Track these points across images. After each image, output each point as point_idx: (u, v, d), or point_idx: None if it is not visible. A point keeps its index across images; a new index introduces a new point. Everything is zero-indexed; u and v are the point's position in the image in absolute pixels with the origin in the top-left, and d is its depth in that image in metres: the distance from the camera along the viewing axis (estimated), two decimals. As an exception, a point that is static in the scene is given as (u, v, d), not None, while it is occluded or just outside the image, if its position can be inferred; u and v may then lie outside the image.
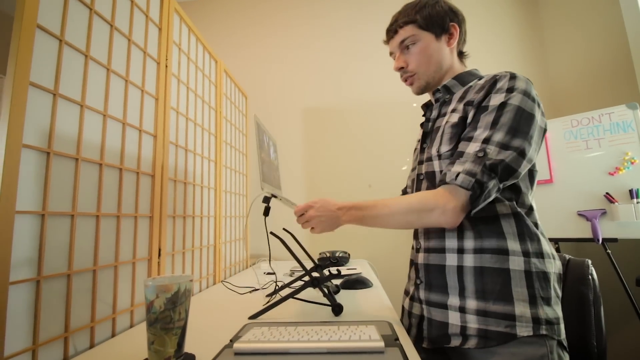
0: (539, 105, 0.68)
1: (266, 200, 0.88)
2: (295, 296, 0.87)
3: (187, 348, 0.60)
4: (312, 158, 2.09)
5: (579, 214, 1.36)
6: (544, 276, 0.65)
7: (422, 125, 0.88)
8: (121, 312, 0.79)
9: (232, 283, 1.27)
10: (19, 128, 0.56)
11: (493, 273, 0.65)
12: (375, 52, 2.07)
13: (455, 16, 0.80)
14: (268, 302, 0.90)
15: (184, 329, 0.59)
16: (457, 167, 0.65)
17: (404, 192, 1.05)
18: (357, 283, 1.12)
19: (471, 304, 0.65)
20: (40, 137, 0.61)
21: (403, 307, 0.83)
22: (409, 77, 0.83)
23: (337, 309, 0.85)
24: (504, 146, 0.63)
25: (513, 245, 0.65)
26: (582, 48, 1.78)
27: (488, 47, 2.08)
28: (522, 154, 0.64)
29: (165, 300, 0.57)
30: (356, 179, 2.04)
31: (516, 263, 0.64)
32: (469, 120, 0.70)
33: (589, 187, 1.35)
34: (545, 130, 0.71)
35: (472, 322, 0.65)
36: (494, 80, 0.69)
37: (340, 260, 1.62)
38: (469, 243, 0.68)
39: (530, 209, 0.70)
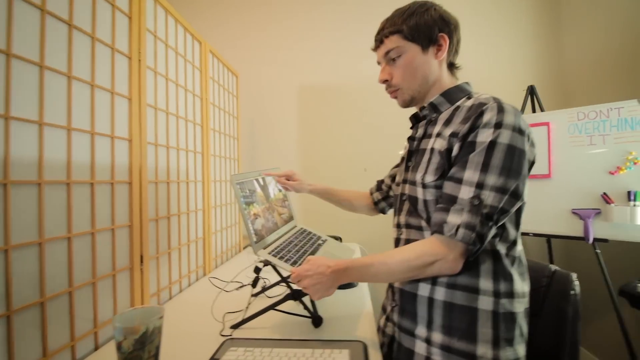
0: (528, 138, 0.64)
1: (257, 270, 0.85)
2: (277, 308, 0.88)
3: (160, 380, 0.61)
4: (307, 139, 2.03)
5: (573, 212, 1.33)
6: (511, 317, 0.64)
7: (408, 139, 0.83)
8: (103, 325, 0.80)
9: (222, 274, 1.29)
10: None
11: (461, 310, 0.65)
12: (374, 30, 1.91)
13: (445, 26, 0.73)
14: (249, 303, 0.93)
15: (155, 363, 0.59)
16: (454, 218, 0.62)
17: (379, 183, 1.06)
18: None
19: (437, 337, 0.66)
20: (-6, 168, 0.57)
21: (379, 325, 0.84)
22: (393, 91, 0.78)
23: (317, 321, 0.86)
24: (498, 190, 0.60)
25: (485, 284, 0.64)
26: (601, 31, 1.63)
27: (500, 23, 1.92)
28: (515, 195, 0.62)
29: (134, 341, 0.56)
30: (352, 162, 2.00)
31: (485, 303, 0.64)
32: (454, 153, 0.66)
33: (586, 185, 1.31)
34: (533, 163, 0.67)
35: (437, 355, 0.66)
36: (481, 112, 0.64)
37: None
38: (443, 276, 0.67)
39: (513, 243, 0.68)
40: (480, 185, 0.61)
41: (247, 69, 2.00)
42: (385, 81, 0.78)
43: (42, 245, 0.65)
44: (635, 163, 1.21)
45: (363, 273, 0.69)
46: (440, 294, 0.67)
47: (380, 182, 1.06)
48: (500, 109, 0.63)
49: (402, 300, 0.74)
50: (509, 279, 0.65)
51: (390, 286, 0.80)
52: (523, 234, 1.44)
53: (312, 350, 0.71)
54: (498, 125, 0.62)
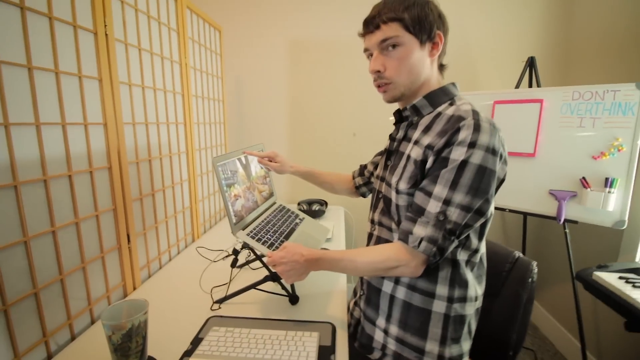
0: (501, 157, 0.65)
1: (235, 252, 0.88)
2: (258, 287, 0.96)
3: (151, 347, 0.70)
4: (297, 99, 1.96)
5: (550, 193, 1.37)
6: (460, 319, 0.72)
7: (390, 137, 0.82)
8: (97, 302, 0.88)
9: (210, 240, 1.37)
10: None
11: (417, 310, 0.72)
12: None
13: (442, 24, 0.70)
14: (231, 279, 1.02)
15: (142, 351, 0.67)
16: (419, 230, 0.66)
17: (362, 168, 1.07)
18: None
19: (393, 329, 0.75)
20: (-36, 179, 0.58)
21: (349, 305, 0.92)
22: (385, 84, 0.74)
23: (294, 300, 0.95)
24: (463, 208, 0.63)
25: (441, 290, 0.71)
26: (613, 8, 1.49)
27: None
28: (479, 212, 0.65)
29: (121, 335, 0.63)
30: (341, 125, 1.96)
31: (439, 306, 0.71)
32: (428, 165, 0.67)
33: (568, 168, 1.32)
34: (503, 180, 0.69)
35: (391, 344, 0.75)
36: (457, 128, 0.63)
37: (315, 214, 1.69)
38: (405, 277, 0.73)
39: (475, 251, 0.72)
40: (447, 202, 0.64)
41: (231, 21, 1.83)
42: (377, 72, 0.73)
43: (27, 242, 0.68)
44: (619, 150, 1.21)
45: (333, 265, 0.74)
46: (401, 293, 0.74)
47: (363, 167, 1.07)
48: (477, 128, 0.62)
49: (368, 291, 0.81)
50: (464, 285, 0.71)
51: (360, 278, 0.87)
52: (500, 209, 1.50)
53: (285, 332, 0.80)
54: (472, 145, 0.62)
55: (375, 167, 1.01)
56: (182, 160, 1.33)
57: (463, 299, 0.71)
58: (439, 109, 0.72)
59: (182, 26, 1.28)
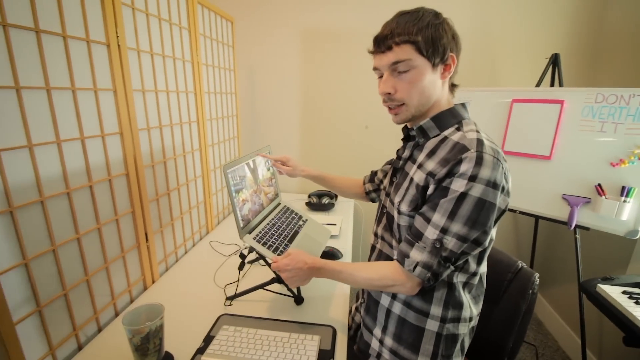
0: (502, 190, 0.65)
1: (242, 257, 0.92)
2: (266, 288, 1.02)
3: (167, 340, 0.78)
4: (309, 90, 1.94)
5: (564, 197, 1.34)
6: (452, 338, 0.75)
7: (397, 153, 0.83)
8: (119, 296, 0.97)
9: (223, 233, 1.43)
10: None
11: (411, 327, 0.76)
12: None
13: (455, 45, 0.69)
14: (241, 278, 1.08)
15: (160, 349, 0.75)
16: (416, 255, 0.68)
17: (372, 175, 1.08)
18: (327, 256, 1.26)
19: (388, 341, 0.79)
20: (-3, 199, 0.63)
21: (351, 309, 0.97)
22: (397, 106, 0.73)
23: (299, 301, 1.01)
24: (460, 238, 0.65)
25: (435, 310, 0.74)
26: None
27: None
28: (476, 242, 0.66)
29: (140, 339, 0.70)
30: (353, 117, 1.94)
31: (432, 325, 0.74)
32: (429, 192, 0.68)
33: (584, 173, 1.28)
34: (505, 210, 0.69)
35: (386, 354, 0.80)
36: (459, 160, 0.63)
37: (325, 207, 1.73)
38: (401, 294, 0.76)
39: (473, 274, 0.74)
40: (444, 231, 0.65)
41: (243, 11, 1.80)
42: (387, 94, 0.73)
43: (55, 250, 0.75)
44: (639, 158, 1.16)
45: (333, 276, 0.79)
46: (397, 308, 0.78)
47: (373, 174, 1.09)
48: (479, 161, 0.62)
49: (368, 301, 0.86)
50: (459, 307, 0.74)
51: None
52: (512, 210, 1.49)
53: (289, 334, 0.86)
54: (472, 178, 0.62)
55: (385, 175, 1.02)
56: (196, 157, 1.37)
57: (457, 320, 0.74)
58: (446, 132, 0.72)
59: (194, 23, 1.27)
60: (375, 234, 0.87)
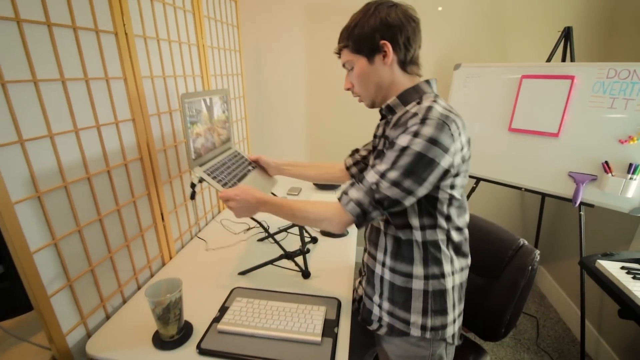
0: (445, 149, 0.69)
1: (192, 186, 0.96)
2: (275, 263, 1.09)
3: (186, 311, 0.85)
4: (315, 68, 1.93)
5: (570, 175, 1.34)
6: (440, 293, 0.82)
7: (374, 132, 0.90)
8: (140, 272, 1.05)
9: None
10: (2, 192, 0.64)
11: (400, 289, 0.83)
12: None
13: (388, 30, 0.74)
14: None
15: (180, 318, 0.82)
16: (353, 193, 0.76)
17: (355, 151, 1.11)
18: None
19: (385, 305, 0.87)
20: (25, 185, 0.69)
21: (355, 284, 1.03)
22: (358, 97, 0.86)
23: (306, 275, 1.07)
24: (394, 184, 0.71)
25: (418, 270, 0.81)
26: None
27: None
28: (410, 193, 0.71)
29: (162, 309, 0.78)
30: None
31: (417, 284, 0.81)
32: (383, 148, 0.77)
33: (591, 151, 1.27)
34: (457, 174, 0.75)
35: (385, 317, 0.87)
36: (406, 123, 0.72)
37: (332, 187, 1.77)
38: (388, 260, 0.84)
39: (446, 231, 0.79)
40: (382, 176, 0.72)
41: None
42: (348, 89, 0.85)
43: (80, 231, 0.82)
44: (649, 135, 1.14)
45: (277, 210, 0.86)
46: (387, 274, 0.85)
47: (355, 151, 1.11)
48: (423, 122, 0.69)
49: (367, 272, 0.92)
50: (438, 263, 0.80)
51: (363, 259, 0.97)
52: (517, 187, 1.50)
53: (297, 305, 0.93)
54: (415, 134, 0.69)
55: (368, 153, 1.06)
56: (205, 139, 1.41)
57: (440, 276, 0.81)
58: (408, 107, 0.78)
59: (198, 5, 1.27)
60: None
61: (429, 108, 0.71)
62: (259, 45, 1.91)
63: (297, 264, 1.08)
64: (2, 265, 0.77)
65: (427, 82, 0.80)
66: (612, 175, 1.22)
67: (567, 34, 1.42)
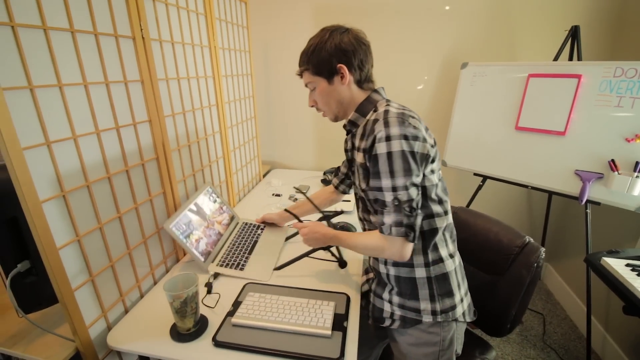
0: (416, 138, 0.76)
1: (208, 285, 1.02)
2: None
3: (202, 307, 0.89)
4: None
5: (576, 173, 1.35)
6: (443, 277, 0.87)
7: (344, 149, 1.00)
8: (156, 267, 1.09)
9: (244, 210, 1.53)
10: (31, 192, 0.68)
11: (406, 280, 0.88)
12: None
13: (343, 55, 0.82)
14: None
15: (196, 312, 0.86)
16: (386, 219, 0.80)
17: (337, 170, 1.21)
18: (341, 229, 1.33)
19: (395, 299, 0.91)
20: (52, 185, 0.73)
21: (363, 282, 1.06)
22: (321, 112, 0.95)
23: (342, 264, 1.13)
24: (407, 187, 0.76)
25: (417, 259, 0.86)
26: None
27: None
28: (415, 185, 0.78)
29: (179, 303, 0.81)
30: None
31: (420, 272, 0.87)
32: (369, 165, 0.81)
33: (598, 149, 1.28)
34: (434, 159, 0.82)
35: (397, 311, 0.91)
36: (373, 130, 0.78)
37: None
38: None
39: (440, 216, 0.84)
40: (394, 189, 0.77)
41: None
42: (312, 106, 0.95)
43: (101, 228, 0.86)
44: (656, 133, 1.15)
45: (341, 243, 0.96)
46: (392, 270, 0.90)
47: (337, 170, 1.22)
48: (386, 124, 0.76)
49: (375, 274, 0.97)
50: (435, 248, 0.86)
51: (369, 263, 1.02)
52: (523, 185, 1.51)
53: (307, 300, 0.96)
54: (388, 139, 0.75)
55: (347, 167, 1.15)
56: (217, 139, 1.45)
57: (439, 260, 0.86)
58: (368, 116, 0.86)
59: (209, 7, 1.30)
60: (360, 219, 1.00)
61: (386, 111, 0.79)
62: (268, 45, 1.94)
63: (332, 254, 1.12)
64: (28, 260, 0.82)
65: (376, 91, 0.89)
66: (619, 174, 1.23)
67: (574, 33, 1.43)
